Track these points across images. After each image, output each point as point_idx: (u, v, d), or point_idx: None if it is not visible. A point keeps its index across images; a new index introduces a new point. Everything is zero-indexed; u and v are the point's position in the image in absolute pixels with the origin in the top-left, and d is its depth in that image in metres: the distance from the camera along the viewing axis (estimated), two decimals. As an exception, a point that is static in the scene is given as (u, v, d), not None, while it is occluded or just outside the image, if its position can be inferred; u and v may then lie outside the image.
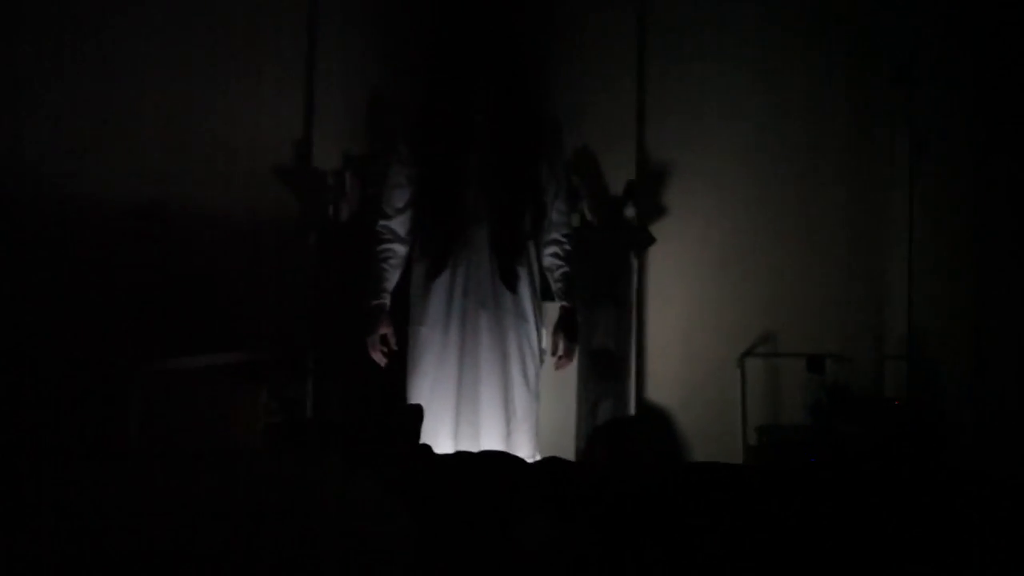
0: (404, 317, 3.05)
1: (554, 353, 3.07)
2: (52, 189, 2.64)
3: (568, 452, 3.73)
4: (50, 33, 2.63)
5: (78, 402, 2.37)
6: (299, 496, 1.71)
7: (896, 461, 3.15)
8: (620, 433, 3.36)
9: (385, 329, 3.00)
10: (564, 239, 3.07)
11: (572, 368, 3.78)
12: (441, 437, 2.90)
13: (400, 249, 3.03)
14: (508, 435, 2.95)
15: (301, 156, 3.98)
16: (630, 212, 3.85)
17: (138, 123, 3.08)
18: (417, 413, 2.55)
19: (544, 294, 3.08)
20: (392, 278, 3.03)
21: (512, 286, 2.95)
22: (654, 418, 3.97)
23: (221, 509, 1.58)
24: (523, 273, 2.98)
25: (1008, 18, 3.60)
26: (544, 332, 3.10)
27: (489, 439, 2.92)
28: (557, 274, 3.06)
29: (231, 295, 3.44)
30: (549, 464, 2.32)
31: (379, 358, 3.01)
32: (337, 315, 3.67)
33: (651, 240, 3.91)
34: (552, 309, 3.10)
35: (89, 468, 1.66)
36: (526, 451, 2.93)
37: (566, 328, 3.06)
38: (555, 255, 3.05)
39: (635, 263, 3.93)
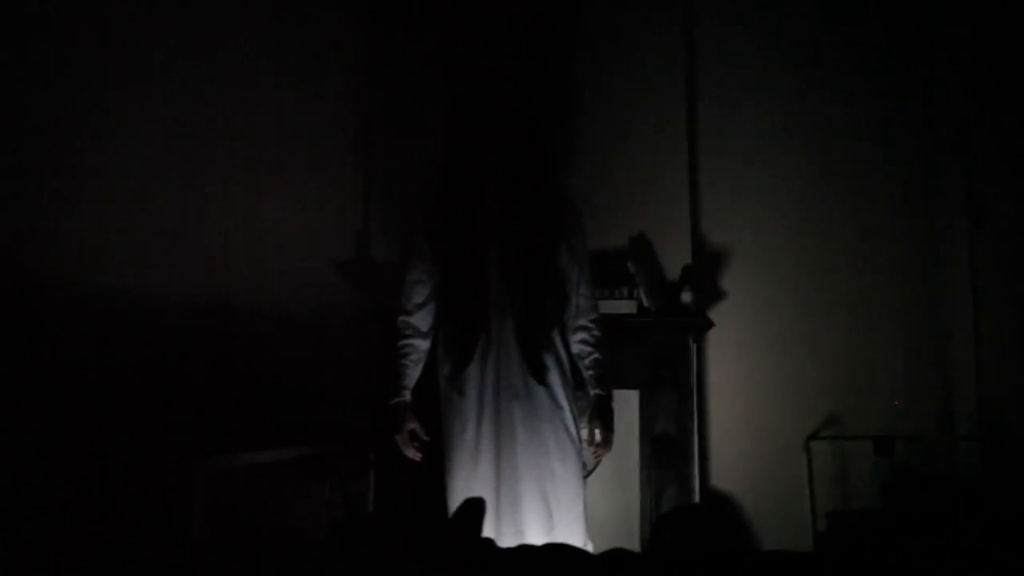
0: (432, 410, 3.01)
1: (591, 443, 2.98)
2: (116, 286, 2.70)
3: (633, 542, 3.67)
4: (115, 130, 2.73)
5: (142, 498, 2.40)
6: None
7: (972, 544, 3.04)
8: (685, 521, 3.29)
9: (411, 424, 2.96)
10: (592, 324, 2.98)
11: (634, 457, 3.75)
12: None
13: (421, 344, 2.99)
14: (552, 528, 2.86)
15: (360, 248, 4.05)
16: (687, 297, 3.83)
17: (200, 218, 3.15)
18: (479, 506, 2.53)
19: (577, 382, 3.01)
20: (413, 374, 2.99)
21: (540, 378, 2.87)
22: (720, 505, 3.90)
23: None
24: (551, 363, 2.90)
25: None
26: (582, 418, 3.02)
27: (533, 534, 2.83)
28: (588, 361, 2.96)
29: (294, 389, 3.47)
30: (614, 555, 2.28)
31: (412, 454, 2.97)
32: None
33: (709, 324, 3.89)
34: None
35: (154, 561, 1.68)
36: (576, 541, 2.86)
37: (601, 416, 2.96)
38: (584, 341, 2.97)
39: (694, 347, 3.91)
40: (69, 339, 2.47)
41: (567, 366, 2.96)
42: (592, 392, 2.98)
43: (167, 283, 2.97)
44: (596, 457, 3.02)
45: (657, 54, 4.14)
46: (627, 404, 3.77)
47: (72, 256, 2.53)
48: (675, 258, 3.98)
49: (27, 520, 2.19)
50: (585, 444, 2.99)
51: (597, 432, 2.96)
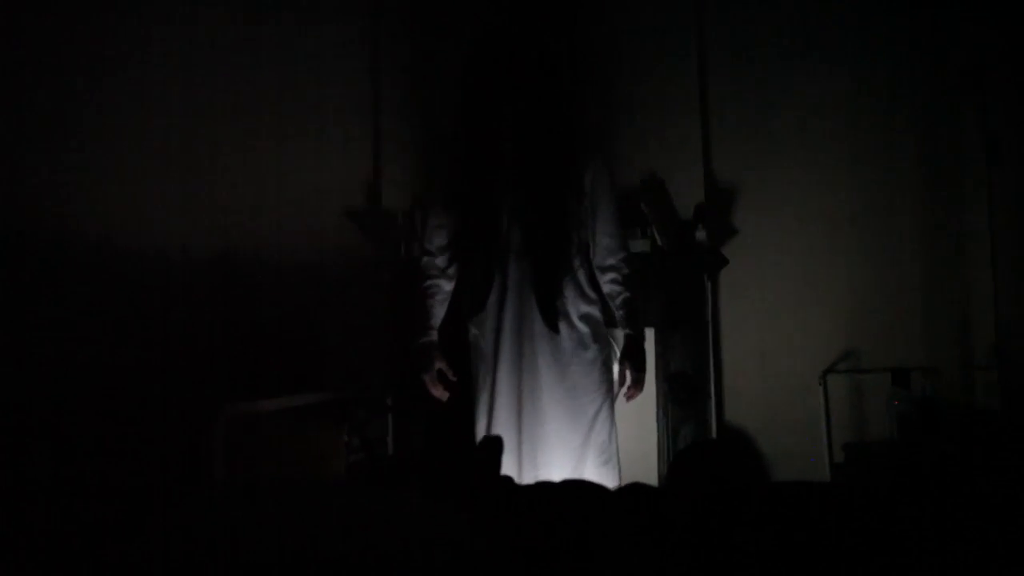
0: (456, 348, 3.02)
1: (622, 383, 2.96)
2: (133, 238, 2.72)
3: (651, 478, 3.69)
4: (126, 83, 2.72)
5: (163, 444, 2.43)
6: (380, 529, 1.73)
7: (991, 474, 3.05)
8: (702, 457, 3.31)
9: (439, 363, 2.96)
10: (621, 263, 2.94)
11: (651, 394, 3.76)
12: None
13: (445, 285, 2.99)
14: (583, 471, 2.87)
15: (371, 198, 4.05)
16: (701, 235, 3.82)
17: (214, 172, 3.16)
18: (497, 445, 2.54)
19: (609, 321, 2.99)
20: (438, 314, 2.99)
21: (552, 324, 2.85)
22: (736, 440, 3.92)
23: (302, 542, 1.60)
24: (573, 307, 2.89)
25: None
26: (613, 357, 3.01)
27: (557, 476, 2.82)
28: (618, 301, 2.93)
29: (311, 336, 3.49)
30: (632, 490, 2.29)
31: (440, 393, 2.97)
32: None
33: (724, 262, 3.87)
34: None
35: (177, 504, 1.71)
36: (610, 481, 2.87)
37: (632, 356, 2.94)
38: (614, 281, 2.93)
39: (708, 285, 3.90)
40: (96, 294, 2.50)
41: (597, 306, 2.95)
42: (623, 332, 2.97)
43: (186, 236, 2.99)
44: (628, 398, 2.99)
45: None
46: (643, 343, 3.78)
47: (92, 211, 2.54)
48: (688, 197, 3.95)
49: (57, 465, 2.24)
50: (616, 384, 2.98)
51: (628, 373, 2.94)
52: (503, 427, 2.87)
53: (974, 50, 3.86)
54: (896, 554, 1.89)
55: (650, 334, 3.79)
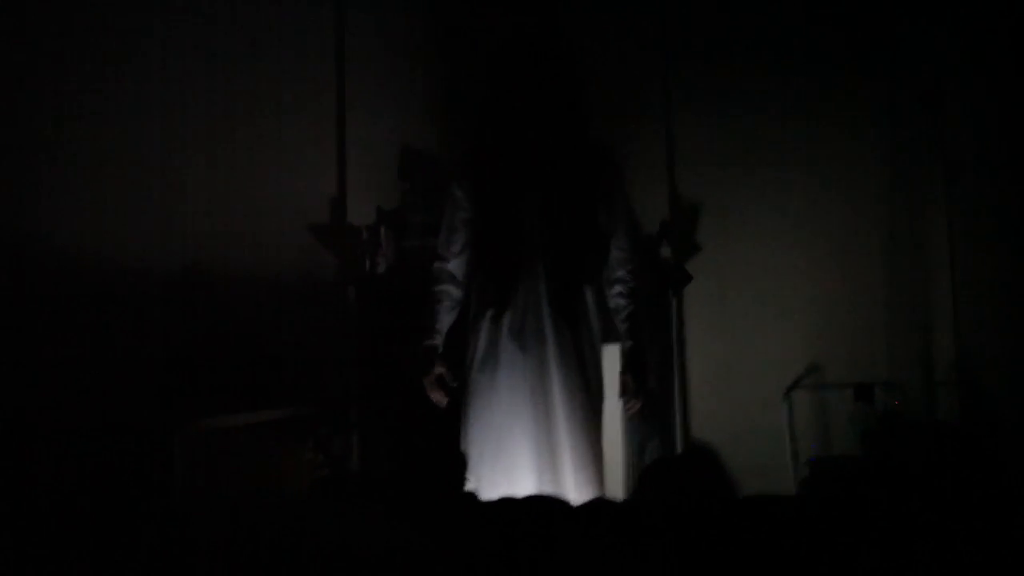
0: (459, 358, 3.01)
1: (624, 395, 2.99)
2: (94, 254, 2.69)
3: (616, 494, 3.69)
4: (85, 98, 2.70)
5: (123, 462, 2.40)
6: (342, 544, 1.71)
7: (953, 488, 3.08)
8: (668, 472, 3.31)
9: (440, 369, 2.93)
10: (628, 277, 2.96)
11: (617, 410, 3.77)
12: (520, 485, 2.81)
13: (455, 292, 2.97)
14: (583, 481, 2.86)
15: (336, 213, 4.03)
16: (666, 251, 3.84)
17: (176, 187, 3.13)
18: (461, 461, 2.53)
19: (607, 335, 2.99)
20: (446, 320, 2.97)
21: (572, 322, 2.86)
22: (702, 456, 3.93)
23: (264, 558, 1.58)
24: (580, 316, 2.89)
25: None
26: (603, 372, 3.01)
27: (570, 485, 2.83)
28: (623, 314, 2.95)
29: (274, 352, 3.47)
30: (597, 506, 2.29)
31: (438, 398, 2.94)
32: (379, 368, 3.69)
33: (688, 278, 3.89)
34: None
35: (137, 523, 1.69)
36: (594, 494, 2.86)
37: (634, 368, 2.97)
38: (620, 295, 2.95)
39: (673, 302, 3.91)
40: (54, 309, 2.47)
41: (596, 319, 2.94)
42: (625, 344, 2.98)
43: (147, 250, 2.96)
44: (628, 410, 3.03)
45: (635, 16, 4.13)
46: (609, 359, 3.78)
47: (52, 226, 2.52)
48: (653, 213, 3.97)
49: (18, 487, 2.20)
50: (618, 396, 3.01)
51: (630, 385, 2.97)
52: (514, 433, 2.85)
53: (932, 70, 3.93)
54: (860, 567, 1.90)
55: (615, 350, 3.80)
